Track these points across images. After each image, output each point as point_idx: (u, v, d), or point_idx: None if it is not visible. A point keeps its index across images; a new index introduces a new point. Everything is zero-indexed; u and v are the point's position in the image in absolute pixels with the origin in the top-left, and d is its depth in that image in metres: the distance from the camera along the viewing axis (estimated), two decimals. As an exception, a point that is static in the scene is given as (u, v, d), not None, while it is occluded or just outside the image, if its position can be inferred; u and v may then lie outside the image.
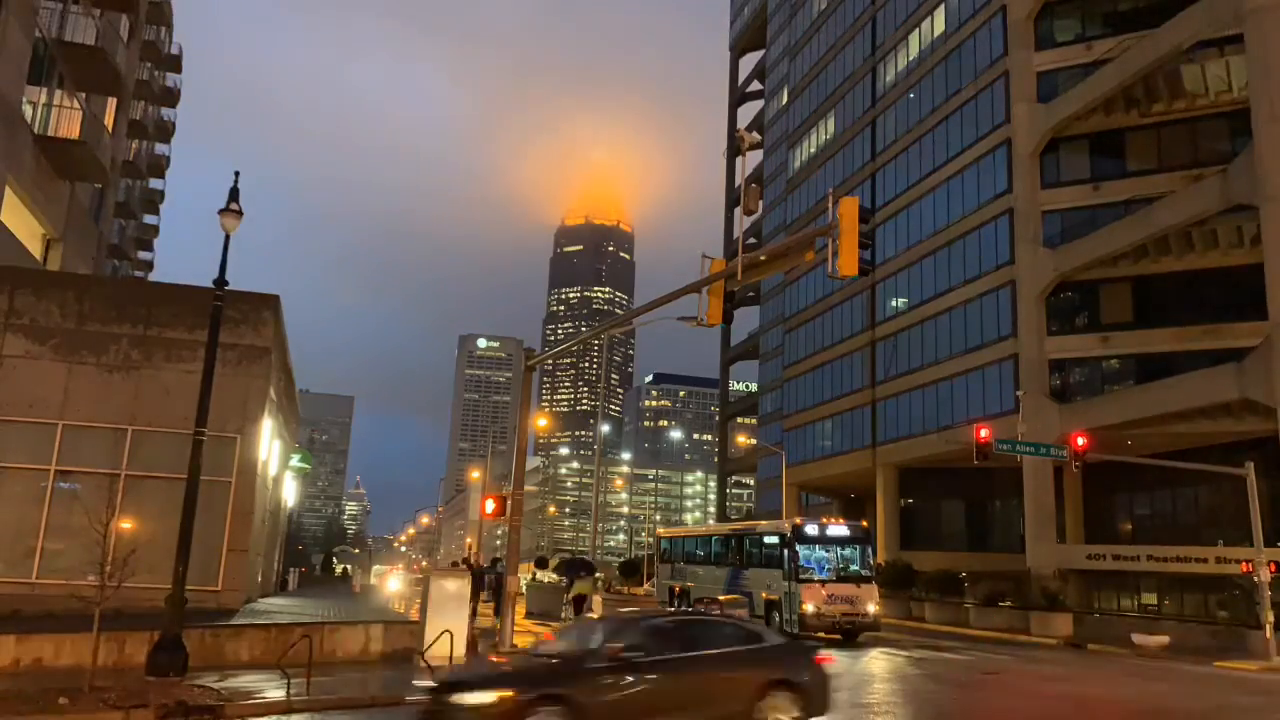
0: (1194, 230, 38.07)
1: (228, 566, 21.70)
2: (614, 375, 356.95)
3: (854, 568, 30.50)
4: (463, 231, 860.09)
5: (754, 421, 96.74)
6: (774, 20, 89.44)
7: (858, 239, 15.97)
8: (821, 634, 28.89)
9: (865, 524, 34.96)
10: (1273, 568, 28.11)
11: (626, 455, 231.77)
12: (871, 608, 29.90)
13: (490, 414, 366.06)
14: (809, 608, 28.80)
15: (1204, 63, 38.86)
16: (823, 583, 29.44)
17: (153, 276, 66.31)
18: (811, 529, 30.78)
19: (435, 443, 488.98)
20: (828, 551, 30.43)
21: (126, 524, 16.93)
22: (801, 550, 29.98)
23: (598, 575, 46.75)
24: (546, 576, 45.95)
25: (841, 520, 33.66)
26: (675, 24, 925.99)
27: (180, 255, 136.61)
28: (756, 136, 19.89)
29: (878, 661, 24.51)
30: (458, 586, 20.16)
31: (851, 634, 29.44)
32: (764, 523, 40.02)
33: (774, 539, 31.76)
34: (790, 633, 29.06)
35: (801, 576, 29.48)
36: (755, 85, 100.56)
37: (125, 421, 21.42)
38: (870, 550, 32.08)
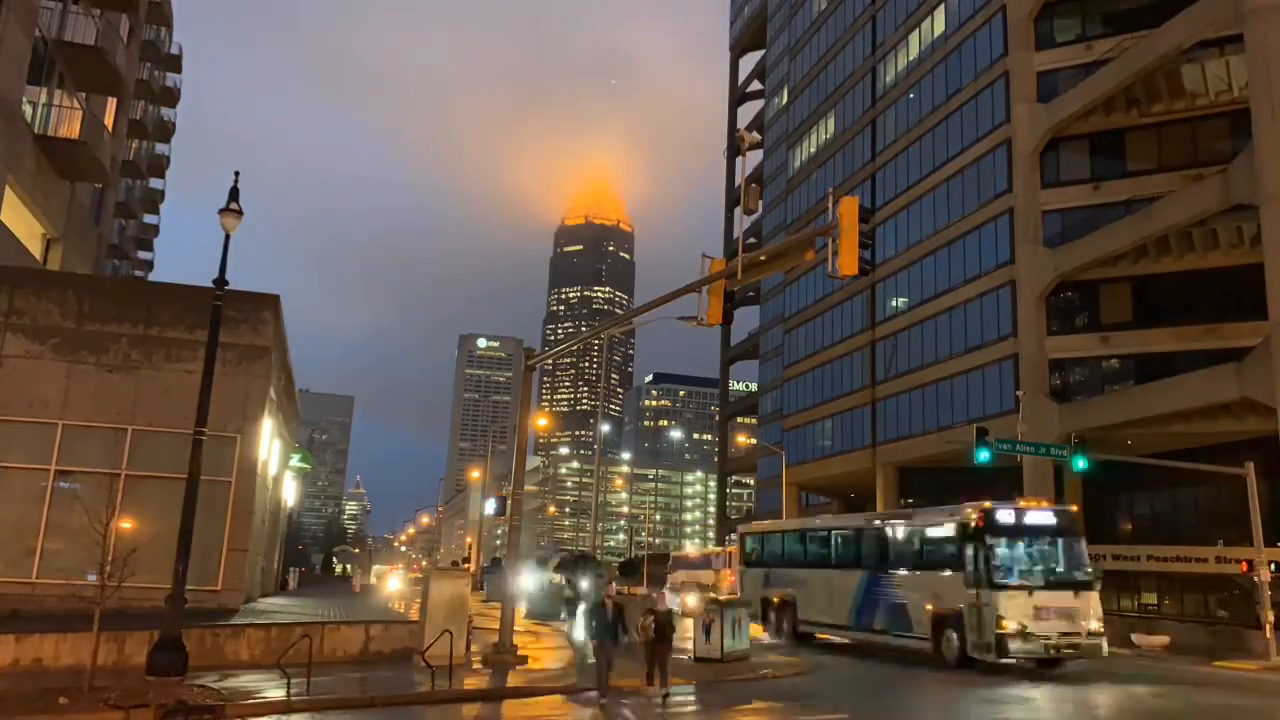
0: (1194, 230, 38.03)
1: (227, 566, 21.71)
2: (614, 375, 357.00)
3: (1067, 569, 22.71)
4: (463, 231, 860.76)
5: (754, 421, 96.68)
6: (774, 20, 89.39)
7: (858, 238, 15.98)
8: (1031, 661, 22.16)
9: (1075, 509, 25.64)
10: (1272, 568, 28.14)
11: (626, 455, 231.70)
12: (1094, 624, 22.03)
13: (490, 414, 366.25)
14: (1011, 625, 21.04)
15: (1204, 63, 38.83)
16: (1029, 590, 21.59)
17: (153, 276, 66.38)
18: (1006, 515, 22.84)
19: (435, 442, 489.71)
20: (1030, 547, 22.76)
21: (126, 524, 16.90)
22: (997, 546, 22.27)
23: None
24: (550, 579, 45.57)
25: (1045, 502, 26.53)
26: (675, 23, 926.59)
27: (180, 255, 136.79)
28: (756, 136, 19.87)
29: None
30: (457, 587, 20.15)
31: (1069, 661, 22.32)
32: (928, 510, 28.81)
33: (947, 530, 23.83)
34: (981, 659, 21.93)
35: (997, 581, 21.63)
36: (755, 85, 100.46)
37: (125, 421, 21.42)
38: (1084, 545, 23.68)
